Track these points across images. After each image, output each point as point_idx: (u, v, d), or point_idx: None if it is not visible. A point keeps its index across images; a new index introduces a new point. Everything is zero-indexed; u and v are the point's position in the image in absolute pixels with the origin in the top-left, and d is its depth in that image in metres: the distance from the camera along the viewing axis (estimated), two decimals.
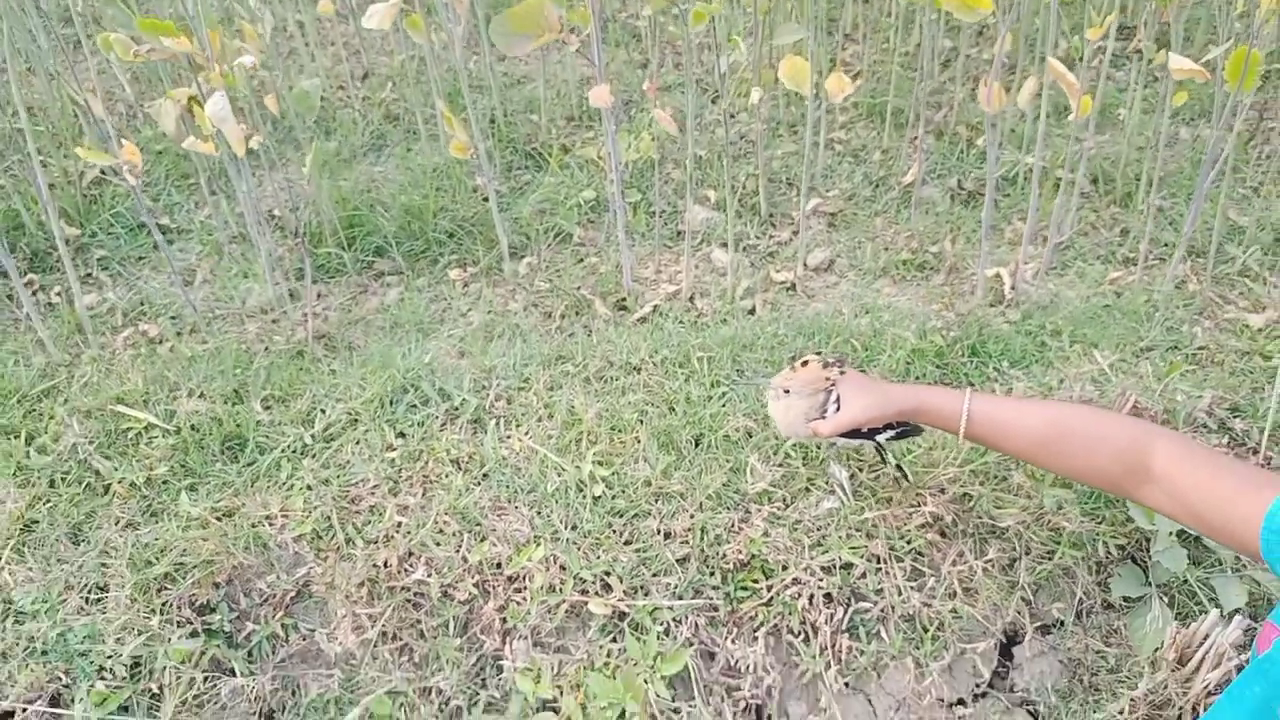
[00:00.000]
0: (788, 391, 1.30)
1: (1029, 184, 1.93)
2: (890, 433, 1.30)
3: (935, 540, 1.39)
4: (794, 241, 2.17)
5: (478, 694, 1.30)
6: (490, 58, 2.76)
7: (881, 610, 1.36)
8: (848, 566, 1.36)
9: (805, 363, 1.30)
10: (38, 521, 1.37)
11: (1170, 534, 1.35)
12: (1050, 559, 1.38)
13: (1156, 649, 1.33)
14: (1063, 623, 1.39)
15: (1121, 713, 1.28)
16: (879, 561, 1.37)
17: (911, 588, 1.36)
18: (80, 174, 2.37)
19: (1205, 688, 1.27)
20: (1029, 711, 1.36)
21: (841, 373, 1.28)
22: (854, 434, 1.28)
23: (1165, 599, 1.37)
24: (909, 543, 1.38)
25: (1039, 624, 1.40)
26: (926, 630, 1.35)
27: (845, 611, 1.35)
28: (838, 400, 1.26)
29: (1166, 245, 2.07)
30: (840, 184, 2.43)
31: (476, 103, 2.62)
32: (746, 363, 1.66)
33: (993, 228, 2.22)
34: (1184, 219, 1.91)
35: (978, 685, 1.37)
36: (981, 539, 1.40)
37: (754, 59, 2.09)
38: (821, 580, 1.35)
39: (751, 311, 1.95)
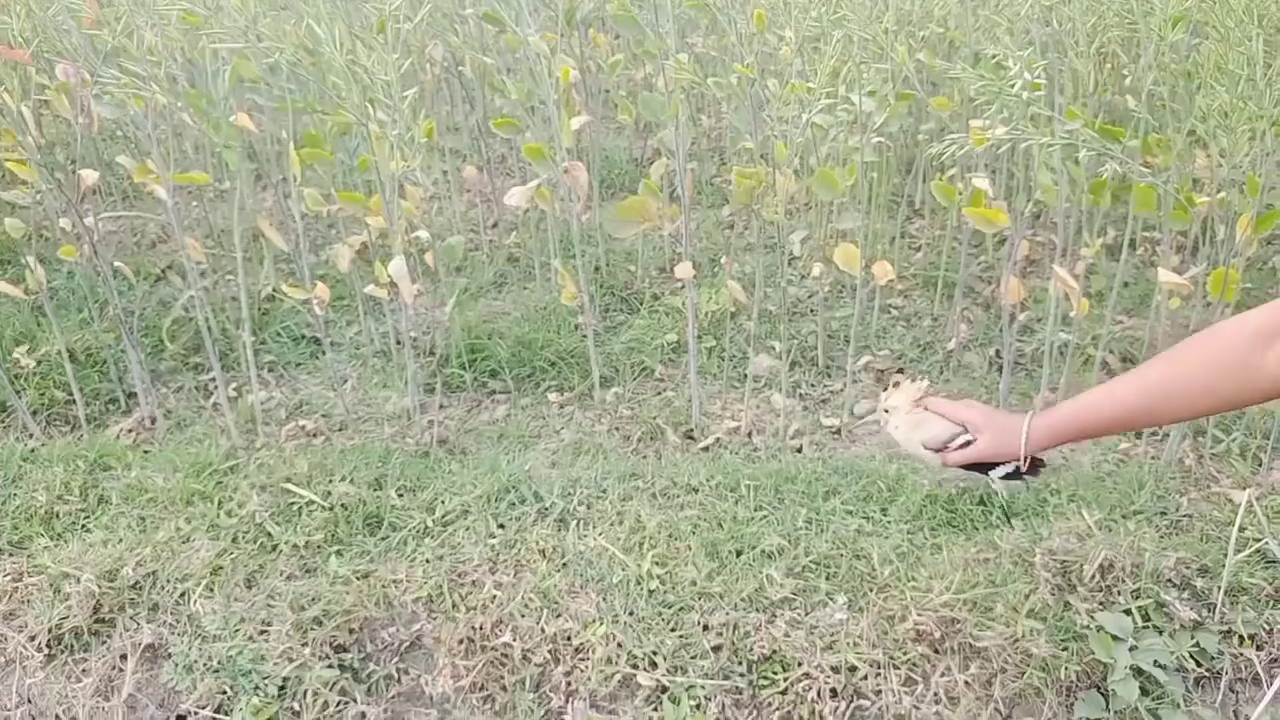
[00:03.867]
0: (888, 411, 1.37)
1: (1063, 358, 2.25)
2: (1003, 470, 1.32)
3: (927, 653, 1.68)
4: (845, 391, 2.52)
5: None
6: (599, 215, 3.25)
7: (878, 709, 1.65)
8: (852, 669, 1.66)
9: (897, 383, 1.38)
10: (223, 568, 1.78)
11: (1126, 667, 1.61)
12: (1021, 678, 1.65)
13: None
14: None
15: None
16: (878, 667, 1.67)
17: (904, 691, 1.65)
18: (259, 291, 2.89)
19: None
20: None
21: (927, 389, 1.35)
22: (973, 467, 1.32)
23: None
24: (905, 654, 1.68)
25: None
26: None
27: (848, 706, 1.65)
28: (967, 434, 1.30)
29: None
30: (892, 344, 2.79)
31: (584, 252, 3.09)
32: (786, 493, 2.00)
33: (1024, 395, 2.54)
34: None
35: None
36: (965, 656, 1.68)
37: (817, 240, 2.50)
38: (829, 677, 1.65)
39: (799, 450, 2.29)
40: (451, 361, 2.61)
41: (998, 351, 2.73)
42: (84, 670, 1.71)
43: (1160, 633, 1.69)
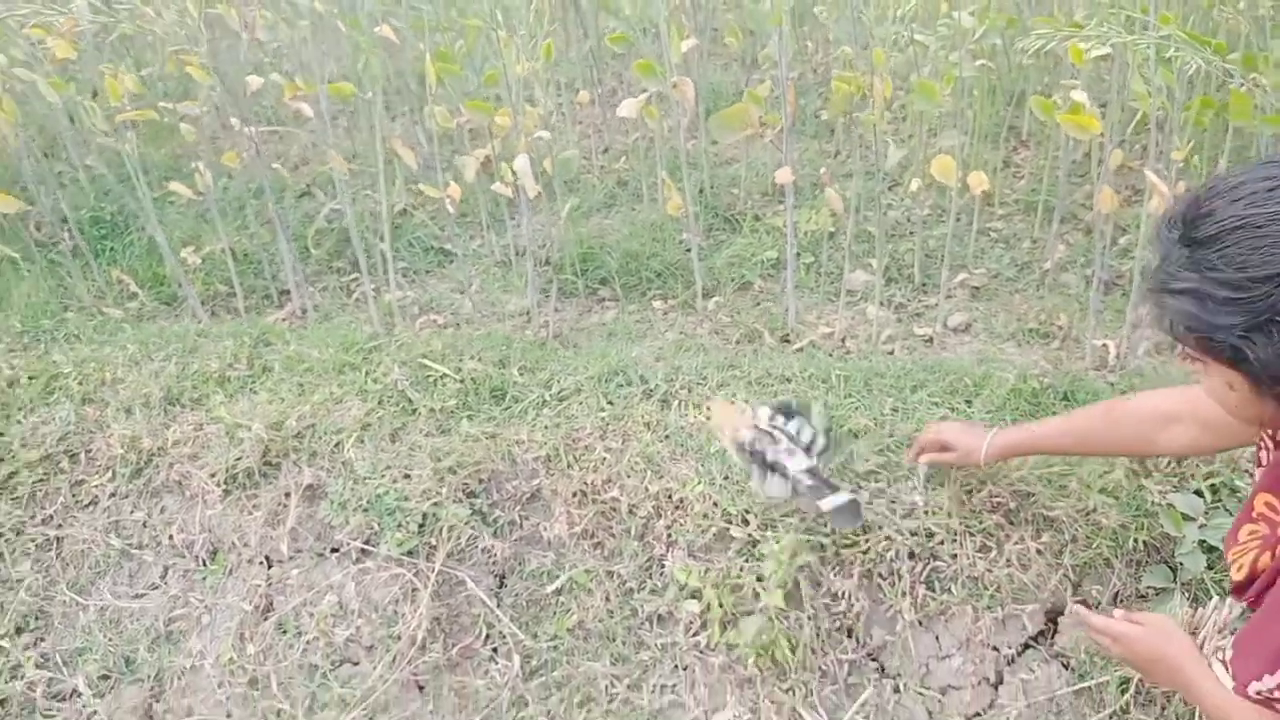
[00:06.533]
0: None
1: None
2: (834, 501, 1.67)
3: (1001, 523, 1.81)
4: (939, 305, 2.63)
5: (645, 580, 1.84)
6: (704, 141, 3.39)
7: (953, 571, 1.79)
8: (930, 534, 1.81)
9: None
10: (371, 424, 2.04)
11: (1194, 542, 1.71)
12: (1091, 548, 1.77)
13: None
14: (1100, 603, 1.77)
15: None
16: (955, 534, 1.81)
17: (978, 556, 1.79)
18: (392, 206, 3.15)
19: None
20: (1063, 664, 1.75)
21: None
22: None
23: (1186, 594, 1.73)
24: (980, 523, 1.81)
25: (1079, 601, 1.78)
26: (986, 590, 1.77)
27: (924, 567, 1.79)
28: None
29: None
30: (989, 264, 2.86)
31: (690, 176, 3.24)
32: (875, 385, 2.14)
33: (1118, 311, 2.60)
34: None
35: (1024, 638, 1.77)
36: (1038, 527, 1.81)
37: (917, 157, 2.59)
38: (908, 541, 1.80)
39: (891, 354, 2.42)
40: (565, 269, 2.81)
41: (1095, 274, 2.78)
42: (255, 505, 2.00)
43: (1230, 513, 1.77)
